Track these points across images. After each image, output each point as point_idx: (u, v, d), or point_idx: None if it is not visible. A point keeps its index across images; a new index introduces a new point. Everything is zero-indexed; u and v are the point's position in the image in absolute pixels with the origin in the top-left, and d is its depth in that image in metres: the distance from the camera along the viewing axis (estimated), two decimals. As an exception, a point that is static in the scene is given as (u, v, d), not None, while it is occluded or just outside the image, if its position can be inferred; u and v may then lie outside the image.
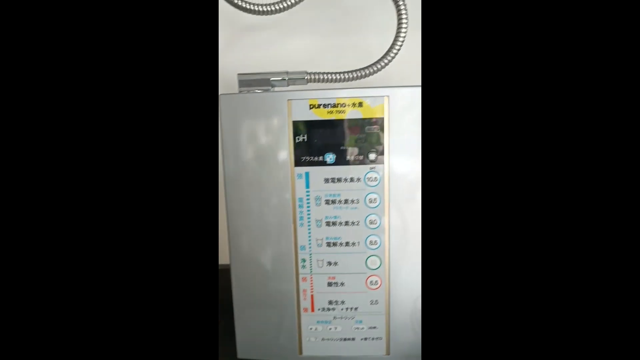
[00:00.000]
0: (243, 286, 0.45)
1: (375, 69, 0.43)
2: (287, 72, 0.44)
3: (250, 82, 0.44)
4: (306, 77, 0.44)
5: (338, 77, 0.44)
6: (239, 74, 0.45)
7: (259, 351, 0.46)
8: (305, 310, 0.44)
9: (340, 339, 0.44)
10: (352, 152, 0.41)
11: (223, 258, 0.62)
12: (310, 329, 0.44)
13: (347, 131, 0.40)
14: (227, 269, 0.59)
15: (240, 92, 0.43)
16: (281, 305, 0.44)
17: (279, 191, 0.42)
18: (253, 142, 0.42)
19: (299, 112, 0.41)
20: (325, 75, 0.44)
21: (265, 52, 0.58)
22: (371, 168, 0.41)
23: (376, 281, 0.43)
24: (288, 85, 0.44)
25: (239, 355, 0.47)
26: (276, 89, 0.43)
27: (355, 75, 0.44)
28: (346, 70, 0.44)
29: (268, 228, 0.43)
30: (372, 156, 0.41)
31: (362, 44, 0.56)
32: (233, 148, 0.42)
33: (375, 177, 0.41)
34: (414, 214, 0.41)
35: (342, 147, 0.41)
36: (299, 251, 0.43)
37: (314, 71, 0.44)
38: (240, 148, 0.42)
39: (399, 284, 0.42)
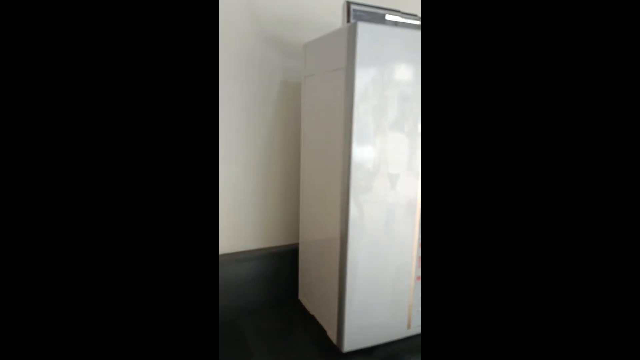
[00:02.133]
0: (357, 263, 0.37)
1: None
2: (399, 12, 0.38)
3: (363, 14, 0.36)
4: (418, 22, 0.39)
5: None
6: (349, 1, 0.36)
7: (368, 337, 0.39)
8: (418, 278, 0.41)
9: (443, 302, 0.43)
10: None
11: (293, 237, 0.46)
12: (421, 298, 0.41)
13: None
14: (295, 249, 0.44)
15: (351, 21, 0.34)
16: (396, 279, 0.39)
17: (413, 146, 0.37)
18: (387, 85, 0.35)
19: (437, 57, 0.36)
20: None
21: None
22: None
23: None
24: (396, 24, 0.38)
25: (346, 349, 0.38)
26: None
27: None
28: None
29: (394, 190, 0.37)
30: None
31: None
32: (365, 89, 0.34)
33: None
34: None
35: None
36: (421, 214, 0.39)
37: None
38: (373, 90, 0.34)
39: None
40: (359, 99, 0.34)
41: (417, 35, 0.35)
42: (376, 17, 0.37)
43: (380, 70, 0.34)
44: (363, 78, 0.33)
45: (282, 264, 0.50)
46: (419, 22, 0.39)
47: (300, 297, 0.49)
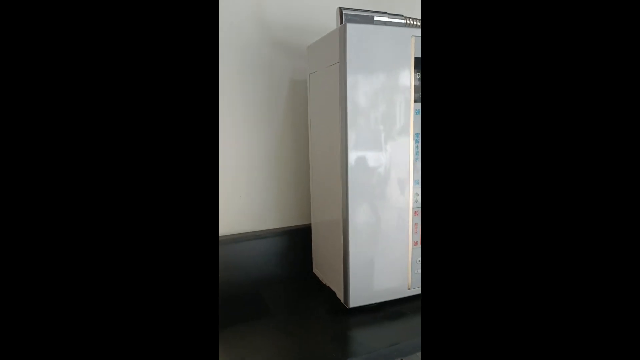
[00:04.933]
0: (358, 236, 0.43)
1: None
2: (387, 13, 0.45)
3: (354, 17, 0.43)
4: (406, 22, 0.46)
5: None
6: (341, 7, 0.43)
7: (371, 295, 0.45)
8: (416, 243, 0.46)
9: (440, 267, 0.48)
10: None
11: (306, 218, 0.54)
12: (418, 261, 0.46)
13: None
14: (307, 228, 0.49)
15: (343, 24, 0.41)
16: (394, 245, 0.44)
17: (400, 127, 0.42)
18: (376, 76, 0.41)
19: (419, 49, 0.42)
20: (417, 21, 0.47)
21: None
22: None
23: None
24: (385, 24, 0.45)
25: (351, 305, 0.44)
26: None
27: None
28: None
29: (387, 166, 0.43)
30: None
31: None
32: (356, 81, 0.40)
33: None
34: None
35: (450, 86, 0.45)
36: (413, 185, 0.44)
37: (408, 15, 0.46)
38: (363, 81, 0.40)
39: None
40: (351, 87, 0.40)
41: (400, 30, 0.41)
42: (366, 19, 0.44)
43: (368, 62, 0.40)
44: (354, 70, 0.40)
45: (297, 241, 0.57)
46: (404, 20, 0.45)
47: (315, 269, 0.55)
